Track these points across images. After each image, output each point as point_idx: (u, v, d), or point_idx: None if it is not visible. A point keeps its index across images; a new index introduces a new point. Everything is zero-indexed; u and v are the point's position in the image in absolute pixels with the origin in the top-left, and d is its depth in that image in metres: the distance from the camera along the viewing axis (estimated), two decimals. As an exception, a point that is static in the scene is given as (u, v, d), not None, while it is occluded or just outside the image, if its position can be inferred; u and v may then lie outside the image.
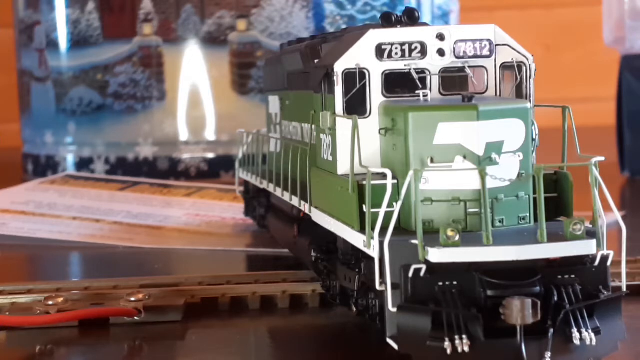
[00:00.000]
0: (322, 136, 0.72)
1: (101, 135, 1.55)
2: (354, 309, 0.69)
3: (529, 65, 0.69)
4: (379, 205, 0.61)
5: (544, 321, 0.58)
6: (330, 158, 0.70)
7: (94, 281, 0.88)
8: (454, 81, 0.68)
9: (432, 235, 0.60)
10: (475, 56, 0.68)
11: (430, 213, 0.62)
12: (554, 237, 0.60)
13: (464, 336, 0.57)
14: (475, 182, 0.61)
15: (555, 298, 0.59)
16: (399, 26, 0.69)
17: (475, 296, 0.59)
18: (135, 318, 0.77)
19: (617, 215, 0.62)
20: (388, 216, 0.60)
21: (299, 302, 0.82)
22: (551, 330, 0.58)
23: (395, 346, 0.60)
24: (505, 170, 0.63)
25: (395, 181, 0.63)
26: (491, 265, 0.59)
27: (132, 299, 0.78)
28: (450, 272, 0.59)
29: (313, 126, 0.76)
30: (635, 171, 1.52)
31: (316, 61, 0.75)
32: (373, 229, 0.61)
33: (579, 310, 0.59)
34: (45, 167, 1.61)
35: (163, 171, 1.51)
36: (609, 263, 0.61)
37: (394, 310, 0.59)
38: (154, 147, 1.52)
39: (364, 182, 0.63)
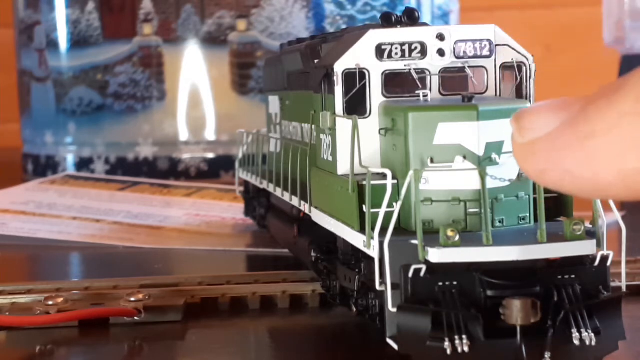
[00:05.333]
0: (322, 136, 0.72)
1: (101, 135, 1.55)
2: (354, 309, 0.69)
3: (529, 65, 0.69)
4: (379, 206, 0.61)
5: (544, 321, 0.58)
6: (330, 158, 0.70)
7: (94, 281, 0.88)
8: (454, 81, 0.68)
9: (432, 235, 0.60)
10: (475, 56, 0.68)
11: (430, 213, 0.62)
12: (554, 238, 0.60)
13: (463, 336, 0.57)
14: (475, 182, 0.61)
15: (555, 298, 0.59)
16: (399, 26, 0.69)
17: (475, 296, 0.59)
18: (135, 318, 0.77)
19: (617, 215, 0.62)
20: (388, 216, 0.60)
21: (299, 302, 0.82)
22: (551, 331, 0.58)
23: (395, 346, 0.60)
24: (505, 171, 0.63)
25: (395, 181, 0.63)
26: (491, 266, 0.59)
27: (132, 299, 0.78)
28: (450, 272, 0.59)
29: (313, 126, 0.76)
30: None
31: (316, 61, 0.75)
32: (373, 229, 0.61)
33: (578, 310, 0.59)
34: (45, 167, 1.61)
35: (163, 171, 1.51)
36: (609, 263, 0.61)
37: (394, 310, 0.59)
38: (154, 147, 1.52)
39: (364, 182, 0.63)
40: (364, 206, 0.63)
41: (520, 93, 0.69)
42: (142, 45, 1.52)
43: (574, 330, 0.58)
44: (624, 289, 0.62)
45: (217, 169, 1.52)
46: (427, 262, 0.59)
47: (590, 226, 0.62)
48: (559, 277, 0.60)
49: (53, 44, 1.58)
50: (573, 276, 0.61)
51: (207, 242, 1.11)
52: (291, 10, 1.50)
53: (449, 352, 0.57)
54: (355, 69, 0.68)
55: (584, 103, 0.45)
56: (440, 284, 0.59)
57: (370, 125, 0.68)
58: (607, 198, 0.45)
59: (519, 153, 0.47)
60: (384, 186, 0.62)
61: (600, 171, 0.43)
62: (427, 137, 0.63)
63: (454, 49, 0.68)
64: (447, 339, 0.57)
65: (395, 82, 0.68)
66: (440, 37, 0.68)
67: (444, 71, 0.68)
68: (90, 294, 0.82)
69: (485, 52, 0.68)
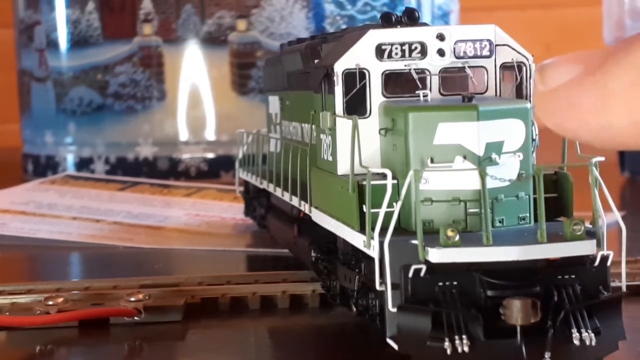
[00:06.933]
0: (322, 136, 0.72)
1: (101, 135, 1.55)
2: (354, 309, 0.69)
3: (529, 65, 0.69)
4: (379, 206, 0.61)
5: (544, 321, 0.58)
6: (330, 158, 0.70)
7: (94, 281, 0.88)
8: (454, 81, 0.68)
9: (432, 235, 0.60)
10: (475, 56, 0.68)
11: (430, 213, 0.62)
12: (554, 237, 0.60)
13: (463, 336, 0.57)
14: (475, 182, 0.61)
15: (555, 298, 0.59)
16: (399, 26, 0.69)
17: (475, 296, 0.59)
18: (135, 318, 0.77)
19: (617, 215, 0.62)
20: (388, 216, 0.60)
21: (299, 302, 0.82)
22: (551, 331, 0.58)
23: (395, 346, 0.60)
24: (505, 171, 0.63)
25: (395, 181, 0.63)
26: (491, 266, 0.59)
27: (132, 299, 0.78)
28: (450, 272, 0.59)
29: (313, 126, 0.76)
30: (635, 171, 1.52)
31: (316, 61, 0.75)
32: (373, 229, 0.61)
33: (578, 310, 0.59)
34: (45, 167, 1.61)
35: (163, 171, 1.51)
36: (609, 263, 0.61)
37: (394, 310, 0.59)
38: (154, 147, 1.52)
39: (364, 182, 0.63)
40: (364, 206, 0.63)
41: (520, 93, 0.69)
42: (142, 45, 1.52)
43: (574, 330, 0.59)
44: (624, 289, 0.62)
45: (217, 169, 1.52)
46: (427, 262, 0.59)
47: (590, 226, 0.62)
48: (559, 277, 0.60)
49: (53, 44, 1.58)
50: (573, 276, 0.61)
51: (207, 242, 1.11)
52: (291, 10, 1.50)
53: (449, 352, 0.57)
54: (355, 69, 0.68)
55: (603, 56, 0.46)
56: (440, 284, 0.59)
57: (370, 125, 0.68)
58: (620, 148, 0.47)
59: (539, 101, 0.49)
60: (384, 186, 0.62)
61: (614, 121, 0.45)
62: (427, 137, 0.63)
63: (454, 49, 0.68)
64: (447, 339, 0.57)
65: (395, 82, 0.68)
66: (440, 37, 0.68)
67: (444, 71, 0.68)
68: (90, 294, 0.82)
69: (485, 52, 0.68)
